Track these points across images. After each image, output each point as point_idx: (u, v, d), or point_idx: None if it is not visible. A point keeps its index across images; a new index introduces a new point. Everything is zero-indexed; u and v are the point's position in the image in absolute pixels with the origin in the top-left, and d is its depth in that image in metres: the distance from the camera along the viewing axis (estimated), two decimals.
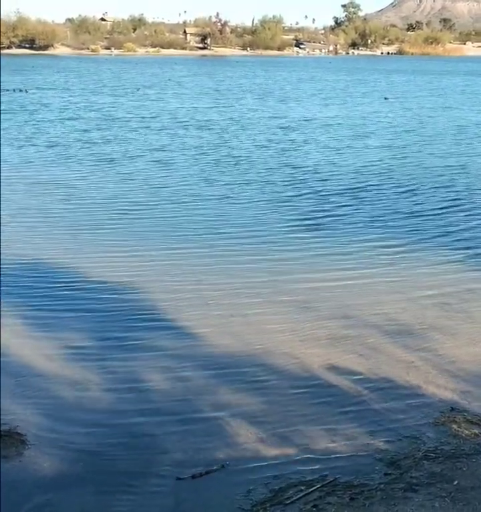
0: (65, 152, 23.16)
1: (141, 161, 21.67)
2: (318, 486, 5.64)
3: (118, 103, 40.33)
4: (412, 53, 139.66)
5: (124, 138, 26.66)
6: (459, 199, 16.50)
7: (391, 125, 31.35)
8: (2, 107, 35.15)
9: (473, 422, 6.58)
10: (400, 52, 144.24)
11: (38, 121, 31.19)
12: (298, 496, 5.51)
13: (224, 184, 18.08)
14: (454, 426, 6.51)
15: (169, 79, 63.66)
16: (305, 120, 32.75)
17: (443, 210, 15.30)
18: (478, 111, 38.48)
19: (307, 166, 20.81)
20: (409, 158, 22.46)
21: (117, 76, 67.27)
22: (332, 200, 16.27)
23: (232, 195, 16.79)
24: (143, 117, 33.33)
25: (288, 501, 5.45)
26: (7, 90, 45.20)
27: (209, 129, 29.34)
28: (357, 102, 42.20)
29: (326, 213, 14.92)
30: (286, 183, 18.27)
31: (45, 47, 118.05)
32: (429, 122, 32.63)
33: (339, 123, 31.78)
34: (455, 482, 5.62)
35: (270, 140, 26.59)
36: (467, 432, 6.40)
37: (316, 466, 5.95)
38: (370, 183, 18.30)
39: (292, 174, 19.59)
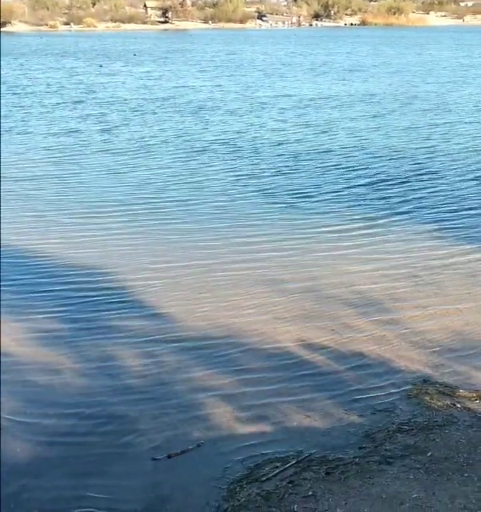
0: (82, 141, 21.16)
1: (145, 147, 20.02)
2: (293, 462, 5.68)
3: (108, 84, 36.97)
4: (375, 24, 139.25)
5: (134, 122, 24.48)
6: (432, 174, 16.56)
7: (412, 102, 29.28)
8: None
9: (445, 393, 6.68)
10: (363, 23, 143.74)
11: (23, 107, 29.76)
12: (274, 472, 5.55)
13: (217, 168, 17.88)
14: (427, 398, 6.59)
15: (134, 55, 61.35)
16: (319, 98, 30.70)
17: (416, 185, 15.33)
18: None
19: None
20: (432, 141, 20.60)
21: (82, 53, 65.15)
22: (310, 177, 16.25)
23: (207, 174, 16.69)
24: (154, 100, 30.43)
25: (265, 478, 5.48)
26: None
27: (221, 110, 27.30)
28: (362, 77, 39.50)
29: (300, 191, 14.88)
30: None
31: (3, 24, 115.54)
32: (447, 98, 30.52)
33: (354, 101, 29.50)
34: (429, 454, 5.70)
35: (287, 121, 24.80)
36: (439, 403, 6.49)
37: (292, 443, 6.00)
38: (350, 157, 18.30)
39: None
